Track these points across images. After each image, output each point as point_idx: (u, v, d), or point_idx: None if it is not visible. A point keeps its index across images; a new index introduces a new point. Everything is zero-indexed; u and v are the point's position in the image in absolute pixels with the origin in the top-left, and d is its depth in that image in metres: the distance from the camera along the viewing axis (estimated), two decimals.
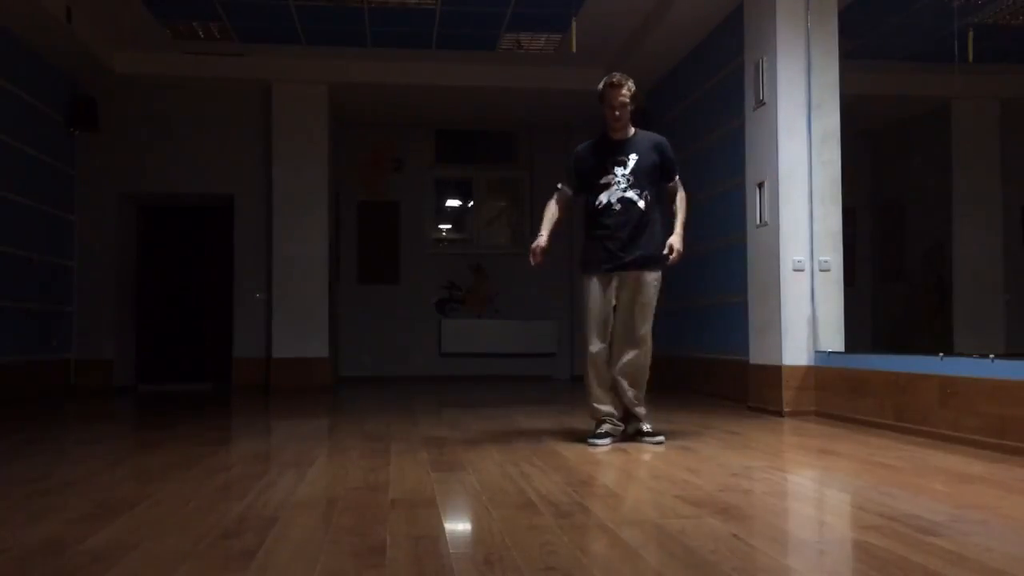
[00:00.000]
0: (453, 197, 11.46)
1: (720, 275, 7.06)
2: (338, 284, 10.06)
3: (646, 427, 4.46)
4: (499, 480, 3.32)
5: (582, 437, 4.65)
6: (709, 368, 7.24)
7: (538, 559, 2.15)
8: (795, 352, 5.82)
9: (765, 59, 6.10)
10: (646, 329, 4.40)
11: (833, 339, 5.79)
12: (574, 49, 7.45)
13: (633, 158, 4.41)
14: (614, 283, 4.39)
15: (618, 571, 2.07)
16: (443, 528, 2.54)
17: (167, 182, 9.31)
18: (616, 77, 4.43)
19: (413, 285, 10.62)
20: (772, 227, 6.00)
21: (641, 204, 4.37)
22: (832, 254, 5.88)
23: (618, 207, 4.37)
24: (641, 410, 4.49)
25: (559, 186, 4.61)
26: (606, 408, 4.47)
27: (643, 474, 3.60)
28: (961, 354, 4.63)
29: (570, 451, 4.13)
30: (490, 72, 9.06)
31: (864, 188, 8.05)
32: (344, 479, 3.40)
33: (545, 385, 9.63)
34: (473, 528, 2.65)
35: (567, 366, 10.69)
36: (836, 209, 5.91)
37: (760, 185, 6.17)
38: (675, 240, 4.39)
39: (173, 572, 2.07)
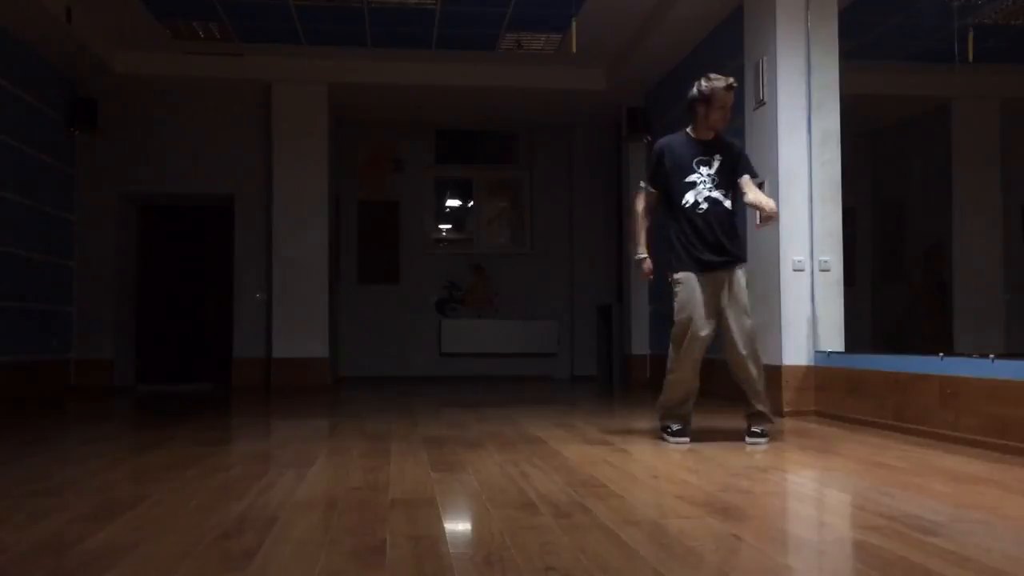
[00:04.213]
0: (453, 197, 11.46)
1: None
2: (338, 284, 10.07)
3: (756, 428, 4.44)
4: (499, 480, 3.32)
5: (583, 437, 4.65)
6: (709, 368, 7.20)
7: (538, 559, 2.15)
8: (795, 352, 5.82)
9: (765, 59, 6.10)
10: (753, 322, 4.43)
11: (833, 339, 5.78)
12: (574, 49, 7.45)
13: (718, 159, 4.43)
14: (713, 281, 4.38)
15: (618, 571, 2.07)
16: (443, 528, 2.54)
17: (167, 182, 9.32)
18: (731, 79, 4.41)
19: (413, 285, 10.62)
20: (772, 227, 5.99)
21: (727, 204, 4.42)
22: (832, 254, 5.88)
23: (705, 206, 4.38)
24: (762, 407, 4.45)
25: (644, 186, 4.54)
26: (685, 408, 4.48)
27: (643, 474, 3.60)
28: (961, 354, 4.62)
29: (570, 451, 4.13)
30: (490, 72, 9.06)
31: (864, 188, 8.05)
32: (344, 479, 3.40)
33: (545, 385, 9.62)
34: (473, 528, 2.65)
35: (567, 366, 10.69)
36: (836, 209, 5.91)
37: (760, 185, 6.15)
38: (766, 200, 4.35)
39: (173, 572, 2.07)
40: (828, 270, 5.86)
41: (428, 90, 9.26)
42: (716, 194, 4.40)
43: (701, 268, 4.38)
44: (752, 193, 4.43)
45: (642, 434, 4.71)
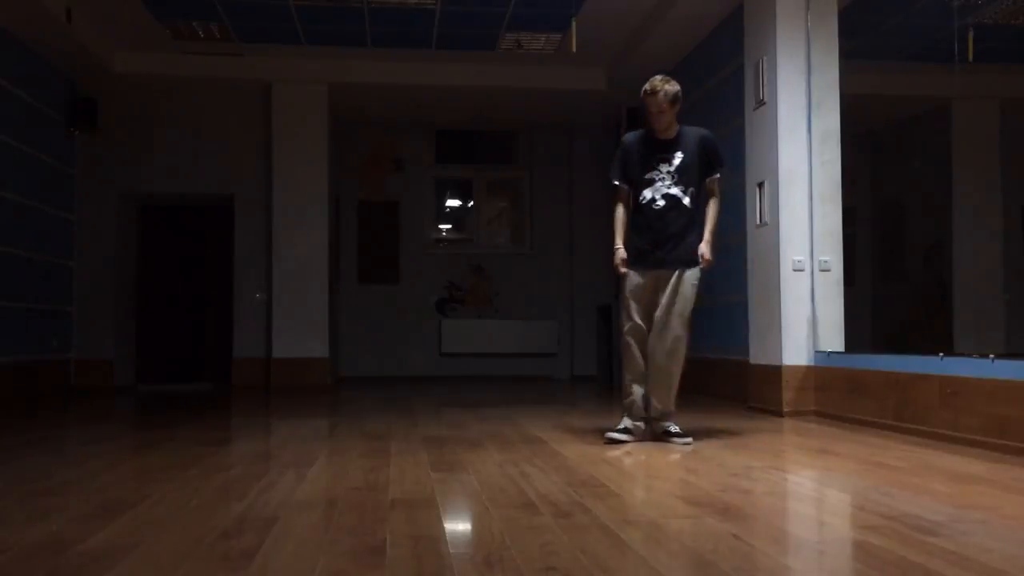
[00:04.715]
0: (453, 197, 11.46)
1: (720, 275, 7.05)
2: (338, 284, 10.07)
3: (673, 428, 4.45)
4: (499, 480, 3.32)
5: (582, 437, 4.65)
6: (709, 368, 7.23)
7: (538, 559, 2.15)
8: (795, 352, 5.82)
9: (765, 59, 6.10)
10: (680, 325, 4.38)
11: (833, 339, 5.78)
12: (574, 49, 7.45)
13: (679, 156, 4.42)
14: (654, 280, 4.40)
15: (618, 571, 2.07)
16: (443, 528, 2.54)
17: (167, 182, 9.32)
18: (656, 84, 4.41)
19: (413, 285, 10.62)
20: (772, 227, 6.00)
21: (686, 201, 4.40)
22: (832, 254, 5.88)
23: (662, 203, 4.39)
24: (666, 410, 4.46)
25: (615, 183, 4.57)
26: (631, 400, 4.46)
27: (643, 474, 3.60)
28: (961, 354, 4.63)
29: (570, 451, 4.13)
30: (490, 72, 9.06)
31: (864, 188, 8.04)
32: (344, 479, 3.40)
33: (545, 385, 9.62)
34: (473, 528, 2.65)
35: (567, 366, 10.69)
36: (836, 209, 5.91)
37: (760, 185, 6.17)
38: (704, 248, 4.38)
39: (173, 572, 2.07)
40: (828, 270, 5.85)
41: (428, 90, 9.26)
42: (675, 191, 4.39)
43: (644, 264, 4.41)
44: (706, 245, 4.39)
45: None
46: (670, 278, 4.38)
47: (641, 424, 4.47)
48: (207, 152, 9.31)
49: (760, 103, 6.19)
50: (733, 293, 6.78)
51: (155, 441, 4.78)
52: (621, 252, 4.48)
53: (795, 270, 5.86)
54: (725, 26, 7.08)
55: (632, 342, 4.47)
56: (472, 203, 11.24)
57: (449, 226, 11.46)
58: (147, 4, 7.50)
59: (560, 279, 10.77)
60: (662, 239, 4.39)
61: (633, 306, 4.44)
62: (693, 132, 4.53)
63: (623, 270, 4.48)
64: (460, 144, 11.08)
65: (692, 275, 4.40)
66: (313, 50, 8.69)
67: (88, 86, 8.84)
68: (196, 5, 7.53)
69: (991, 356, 4.17)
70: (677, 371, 4.44)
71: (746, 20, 6.47)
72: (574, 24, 7.27)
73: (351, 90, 9.22)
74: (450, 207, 11.49)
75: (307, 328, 9.01)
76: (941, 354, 4.57)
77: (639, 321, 4.44)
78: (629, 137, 4.65)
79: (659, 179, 4.41)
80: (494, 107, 10.02)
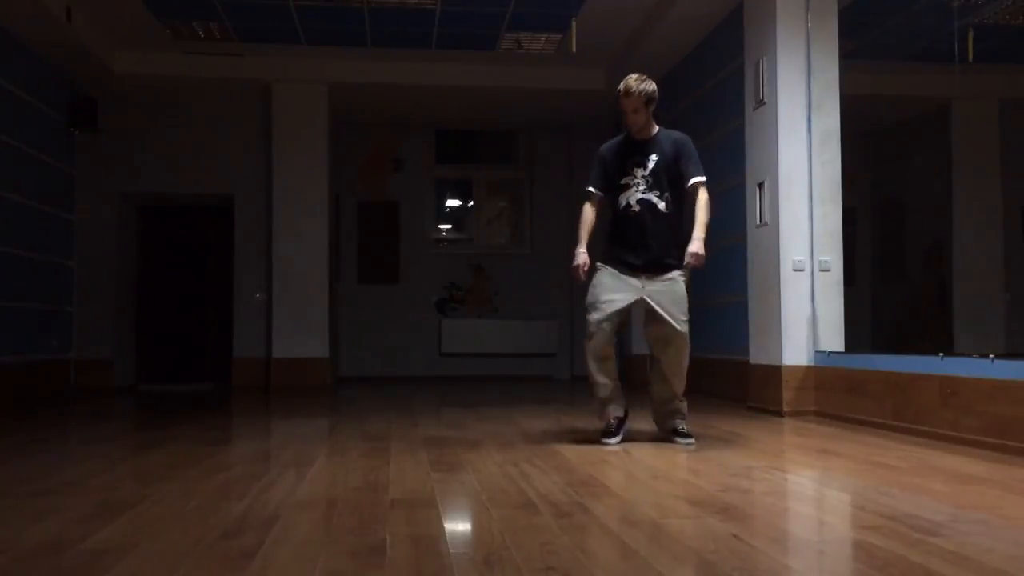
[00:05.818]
0: (453, 197, 11.46)
1: (720, 275, 7.05)
2: (338, 284, 10.07)
3: (681, 427, 4.44)
4: (499, 480, 3.32)
5: (582, 437, 4.65)
6: (709, 368, 7.23)
7: (538, 559, 2.15)
8: (795, 352, 5.82)
9: (765, 59, 6.10)
10: (682, 325, 4.32)
11: (833, 339, 5.79)
12: (574, 49, 7.46)
13: (653, 158, 4.34)
14: (636, 283, 4.31)
15: (618, 571, 2.07)
16: (443, 528, 2.54)
17: (167, 182, 9.32)
18: (630, 84, 4.34)
19: (413, 285, 10.62)
20: (772, 227, 6.00)
21: (661, 206, 4.30)
22: (832, 254, 5.88)
23: (637, 208, 4.32)
24: (680, 408, 4.47)
25: (589, 190, 4.53)
26: (611, 404, 4.43)
27: (643, 474, 3.60)
28: (961, 354, 4.63)
29: (570, 451, 4.13)
30: (490, 72, 9.06)
31: (864, 188, 8.04)
32: (344, 479, 3.40)
33: (545, 385, 9.62)
34: (473, 528, 2.65)
35: (567, 366, 10.69)
36: (836, 209, 5.91)
37: (760, 185, 6.17)
38: (694, 246, 4.22)
39: (173, 572, 2.07)
40: (828, 270, 5.86)
41: (428, 90, 9.26)
42: (650, 196, 4.29)
43: (623, 269, 4.33)
44: (697, 242, 4.22)
45: (642, 434, 4.70)
46: (655, 281, 4.30)
47: (620, 412, 4.45)
48: (207, 152, 9.31)
49: (760, 103, 6.19)
50: (733, 293, 6.78)
51: (155, 441, 4.77)
52: (583, 256, 4.38)
53: (795, 270, 5.87)
54: (725, 26, 7.08)
55: (599, 347, 4.35)
56: (472, 203, 11.24)
57: (449, 226, 11.45)
58: (147, 4, 7.50)
59: (560, 279, 10.73)
60: (641, 245, 4.30)
61: (600, 305, 4.31)
62: (669, 135, 4.44)
63: (582, 274, 4.35)
64: (460, 144, 11.08)
65: (678, 274, 4.34)
66: (313, 50, 8.69)
67: (88, 86, 8.84)
68: (196, 5, 7.53)
69: (991, 356, 4.17)
70: (686, 362, 4.43)
71: (746, 20, 6.47)
72: (574, 24, 7.27)
73: (351, 90, 9.22)
74: (450, 207, 11.49)
75: (307, 328, 9.01)
76: (941, 354, 4.57)
77: (605, 324, 4.31)
78: (605, 145, 4.58)
79: (633, 184, 4.34)
80: (494, 107, 10.02)
